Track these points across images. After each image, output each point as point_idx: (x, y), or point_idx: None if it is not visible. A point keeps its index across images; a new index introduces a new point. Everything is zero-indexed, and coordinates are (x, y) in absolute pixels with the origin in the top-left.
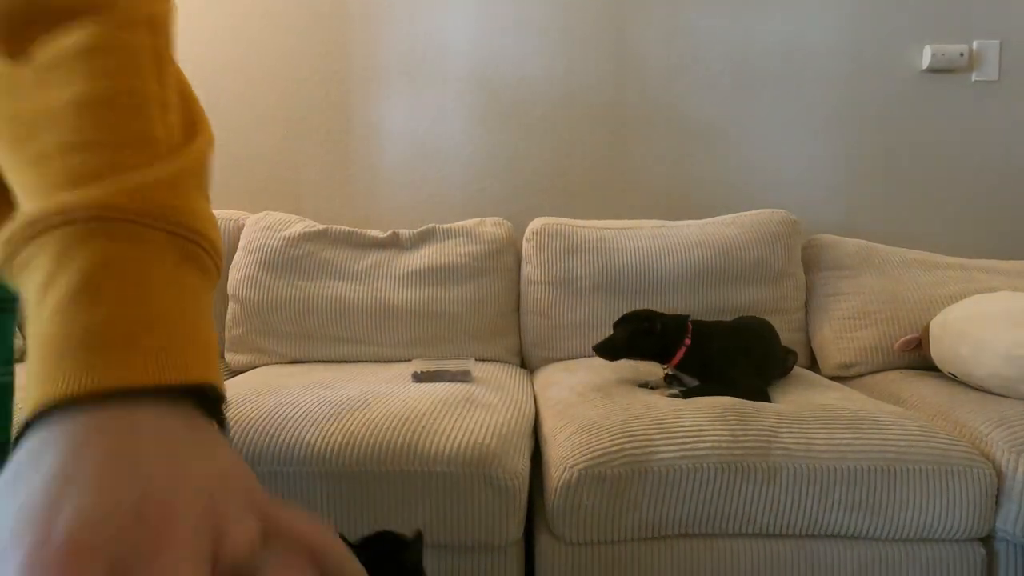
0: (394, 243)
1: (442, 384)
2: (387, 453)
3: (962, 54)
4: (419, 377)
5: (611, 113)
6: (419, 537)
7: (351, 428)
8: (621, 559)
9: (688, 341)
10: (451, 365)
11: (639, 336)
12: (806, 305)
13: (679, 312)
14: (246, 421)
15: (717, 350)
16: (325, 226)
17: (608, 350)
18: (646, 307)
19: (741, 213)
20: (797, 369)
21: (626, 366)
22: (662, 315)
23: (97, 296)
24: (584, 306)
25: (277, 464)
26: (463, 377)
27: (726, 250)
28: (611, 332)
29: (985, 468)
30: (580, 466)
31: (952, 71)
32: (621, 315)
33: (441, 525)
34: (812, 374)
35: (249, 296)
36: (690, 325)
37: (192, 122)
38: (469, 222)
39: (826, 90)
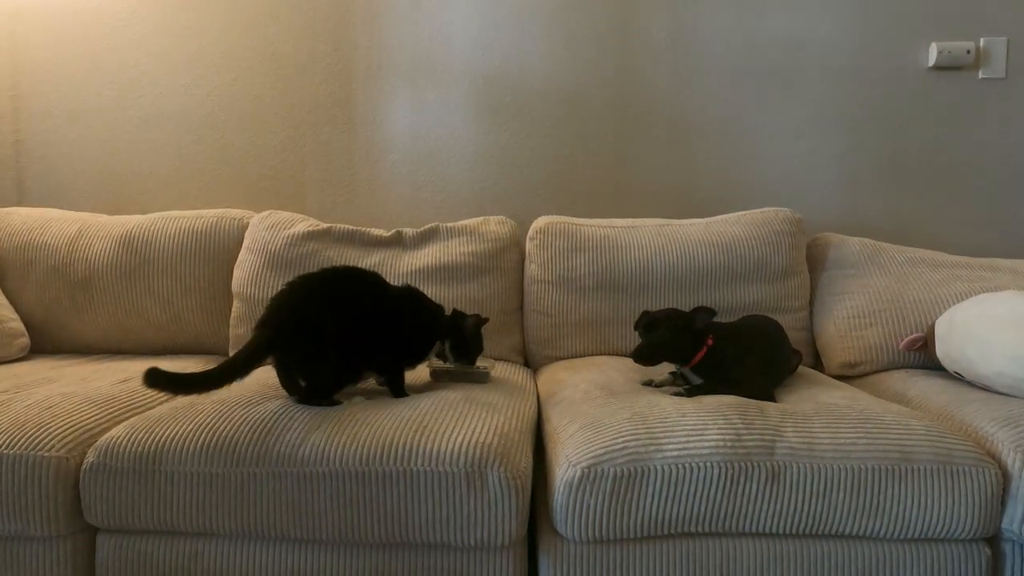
0: (398, 242)
1: (444, 383)
2: (390, 453)
3: (969, 51)
4: (437, 375)
5: (615, 111)
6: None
7: (354, 428)
8: (624, 557)
9: (711, 342)
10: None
11: (681, 336)
12: (810, 304)
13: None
14: (250, 421)
15: (732, 352)
16: (329, 225)
17: (649, 355)
18: (649, 307)
19: (745, 211)
20: (801, 368)
21: (629, 365)
22: (687, 312)
23: None
24: (588, 305)
25: (281, 464)
26: (480, 378)
27: (730, 249)
28: (640, 338)
29: (991, 468)
30: (583, 464)
31: (959, 68)
32: (640, 318)
33: (444, 525)
34: (816, 373)
35: (253, 295)
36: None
37: None
38: (473, 221)
39: (831, 88)
